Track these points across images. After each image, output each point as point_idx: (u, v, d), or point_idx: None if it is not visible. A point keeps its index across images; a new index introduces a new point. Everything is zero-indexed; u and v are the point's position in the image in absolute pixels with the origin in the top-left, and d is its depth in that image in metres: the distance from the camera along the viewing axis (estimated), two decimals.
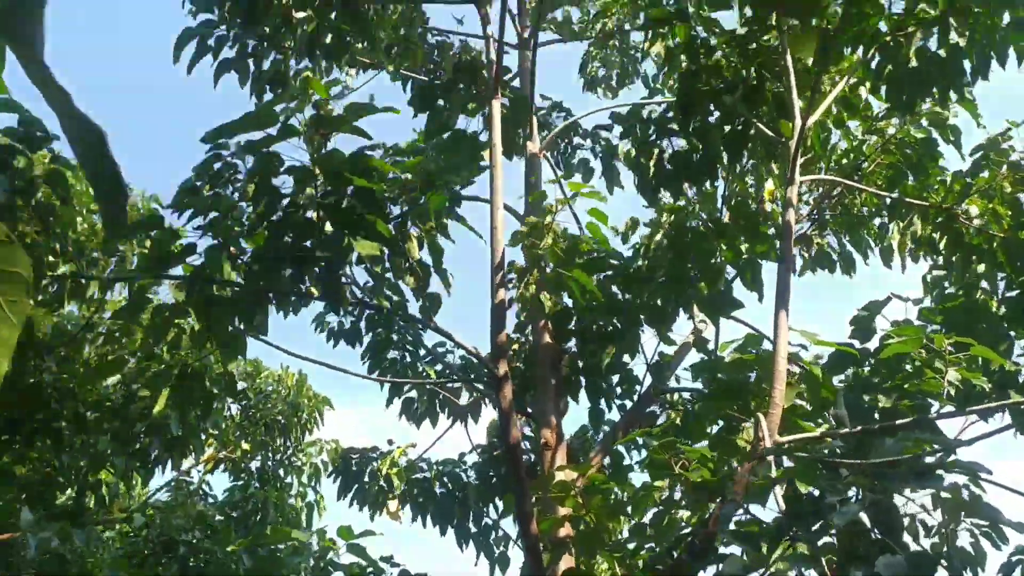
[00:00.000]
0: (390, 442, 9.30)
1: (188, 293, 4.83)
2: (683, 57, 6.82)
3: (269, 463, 11.84)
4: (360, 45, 7.22)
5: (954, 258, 6.25)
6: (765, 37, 6.70)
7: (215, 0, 6.93)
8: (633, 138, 7.26)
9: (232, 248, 4.85)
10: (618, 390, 6.86)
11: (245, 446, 11.59)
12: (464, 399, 9.71)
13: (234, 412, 12.12)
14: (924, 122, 7.20)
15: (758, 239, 6.87)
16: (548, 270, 5.46)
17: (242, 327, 4.85)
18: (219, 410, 12.07)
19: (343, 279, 5.00)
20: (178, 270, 5.02)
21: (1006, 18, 6.03)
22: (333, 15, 7.06)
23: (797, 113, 5.70)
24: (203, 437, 10.78)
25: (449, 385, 9.68)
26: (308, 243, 4.92)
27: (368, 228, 4.71)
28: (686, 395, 7.08)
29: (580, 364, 7.01)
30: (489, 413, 10.60)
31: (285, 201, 4.86)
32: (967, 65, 6.22)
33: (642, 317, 6.95)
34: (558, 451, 6.17)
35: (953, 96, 6.78)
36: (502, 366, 5.06)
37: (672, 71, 7.12)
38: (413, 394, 9.65)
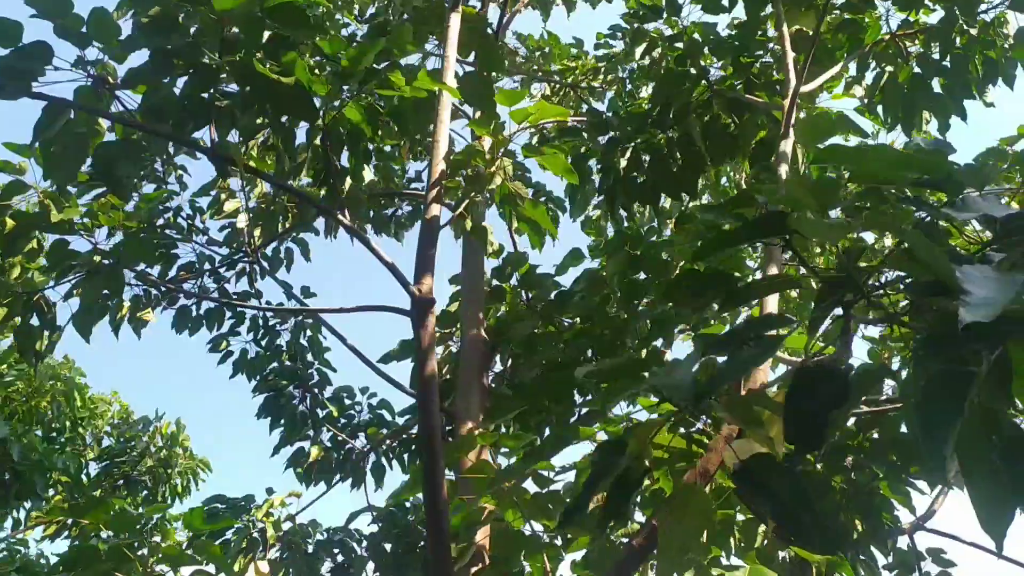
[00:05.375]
0: (269, 491, 7.78)
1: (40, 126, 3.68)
2: (669, 58, 6.23)
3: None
4: None
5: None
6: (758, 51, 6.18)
7: None
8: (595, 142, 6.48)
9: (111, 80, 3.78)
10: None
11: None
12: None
13: (92, 470, 10.36)
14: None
15: None
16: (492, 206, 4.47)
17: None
18: (72, 450, 10.32)
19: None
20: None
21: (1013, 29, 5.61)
22: None
23: (792, 75, 5.04)
24: (48, 477, 9.05)
25: (351, 445, 8.33)
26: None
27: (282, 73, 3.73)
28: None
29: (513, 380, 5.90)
30: (392, 480, 9.21)
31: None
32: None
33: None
34: (483, 452, 4.94)
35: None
36: (427, 283, 3.95)
37: (651, 75, 6.49)
38: (306, 445, 8.25)
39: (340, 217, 4.07)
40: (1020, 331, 1.44)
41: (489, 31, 5.28)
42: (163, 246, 7.48)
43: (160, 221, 7.52)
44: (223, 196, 7.65)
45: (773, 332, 1.69)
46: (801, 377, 1.61)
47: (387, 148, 6.67)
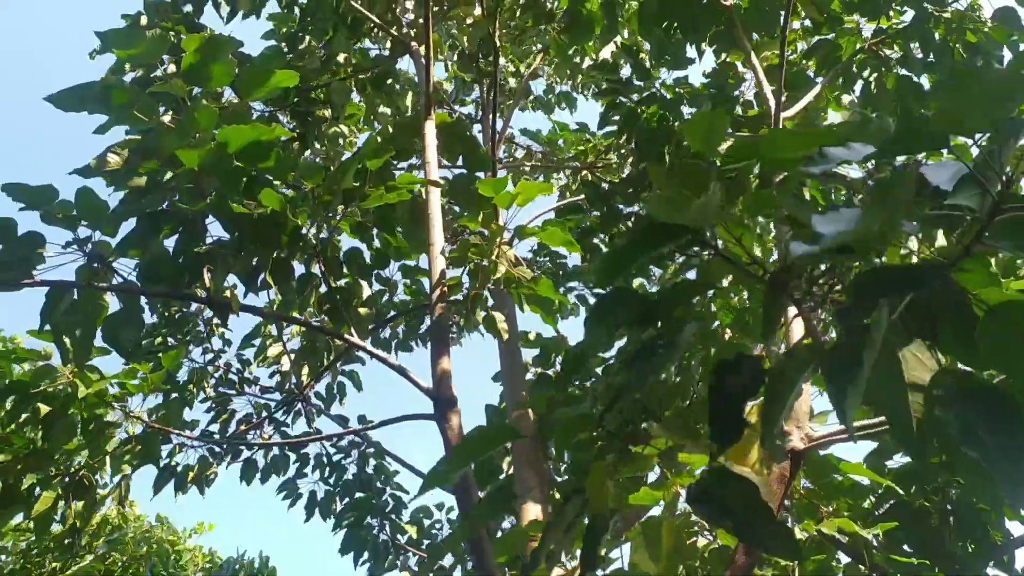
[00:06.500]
0: None
1: (45, 311, 3.87)
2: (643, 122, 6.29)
3: None
4: None
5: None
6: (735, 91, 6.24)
7: None
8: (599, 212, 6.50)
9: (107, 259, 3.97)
10: None
11: None
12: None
13: None
14: None
15: None
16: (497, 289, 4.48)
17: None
18: None
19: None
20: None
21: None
22: None
23: (772, 104, 5.02)
24: None
25: (440, 565, 8.18)
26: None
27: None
28: None
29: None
30: None
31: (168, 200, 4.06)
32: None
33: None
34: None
35: None
36: (444, 384, 3.96)
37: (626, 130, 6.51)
38: (394, 574, 8.14)
39: (348, 337, 4.15)
40: (902, 287, 1.37)
41: (469, 134, 5.42)
42: (219, 403, 7.72)
43: (212, 380, 7.79)
44: (268, 343, 7.88)
45: (683, 334, 1.62)
46: (718, 373, 1.55)
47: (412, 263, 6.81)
